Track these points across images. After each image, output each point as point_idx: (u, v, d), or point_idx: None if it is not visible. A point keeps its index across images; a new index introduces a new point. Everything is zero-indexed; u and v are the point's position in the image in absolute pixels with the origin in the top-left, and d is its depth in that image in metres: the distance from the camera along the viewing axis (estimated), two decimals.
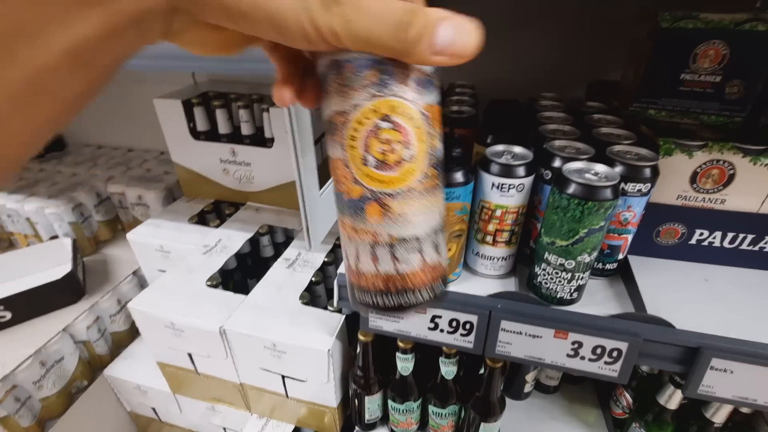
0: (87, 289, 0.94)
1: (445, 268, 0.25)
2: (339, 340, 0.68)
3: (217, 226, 0.94)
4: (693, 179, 0.53)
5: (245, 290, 0.76)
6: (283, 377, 0.72)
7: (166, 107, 0.92)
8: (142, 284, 1.02)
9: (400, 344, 0.64)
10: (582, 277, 0.49)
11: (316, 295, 0.79)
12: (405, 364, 0.67)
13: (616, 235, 0.53)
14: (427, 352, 0.70)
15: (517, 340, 0.51)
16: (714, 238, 0.55)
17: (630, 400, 0.74)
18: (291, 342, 0.66)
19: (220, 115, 0.93)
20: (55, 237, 1.05)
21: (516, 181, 0.48)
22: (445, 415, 0.71)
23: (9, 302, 0.83)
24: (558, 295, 0.50)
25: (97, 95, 0.18)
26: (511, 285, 0.55)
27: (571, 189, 0.43)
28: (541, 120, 0.63)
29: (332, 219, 0.59)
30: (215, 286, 0.77)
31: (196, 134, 0.95)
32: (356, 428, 0.80)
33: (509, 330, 0.51)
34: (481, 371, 0.67)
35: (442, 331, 0.54)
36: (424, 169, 0.22)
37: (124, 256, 1.06)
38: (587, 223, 0.44)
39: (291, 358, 0.68)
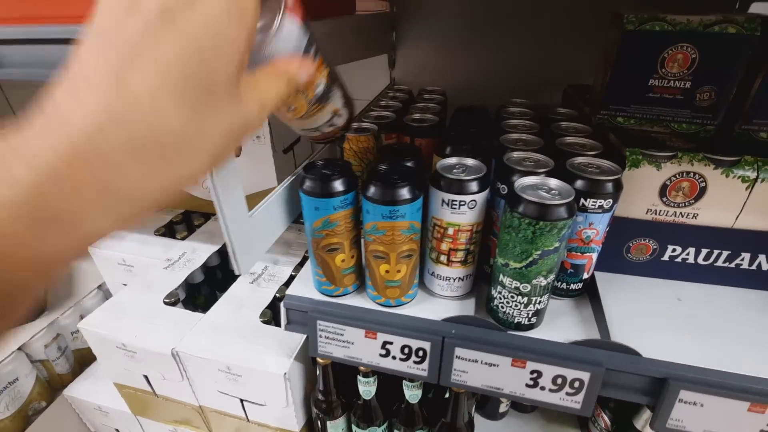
0: (48, 305, 0.91)
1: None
2: (299, 362, 0.64)
3: (184, 238, 0.91)
4: (663, 192, 0.49)
5: (213, 305, 0.73)
6: (241, 401, 0.68)
7: None
8: (107, 299, 0.98)
9: (361, 368, 0.61)
10: (540, 301, 0.45)
11: (278, 312, 0.75)
12: (367, 388, 0.63)
13: (578, 253, 0.49)
14: (390, 375, 0.66)
15: (474, 369, 0.47)
16: (687, 254, 0.52)
17: (608, 421, 0.70)
18: (246, 365, 0.62)
19: None
20: None
21: (467, 198, 0.44)
22: None
23: None
24: (515, 320, 0.46)
25: None
26: (469, 307, 0.51)
27: (521, 207, 0.40)
28: (505, 129, 0.59)
29: (271, 239, 0.53)
30: (173, 304, 0.74)
31: None
32: None
33: (464, 358, 0.47)
34: (447, 395, 0.64)
35: (394, 358, 0.50)
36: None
37: (89, 270, 1.02)
38: (540, 245, 0.40)
39: (247, 381, 0.64)
